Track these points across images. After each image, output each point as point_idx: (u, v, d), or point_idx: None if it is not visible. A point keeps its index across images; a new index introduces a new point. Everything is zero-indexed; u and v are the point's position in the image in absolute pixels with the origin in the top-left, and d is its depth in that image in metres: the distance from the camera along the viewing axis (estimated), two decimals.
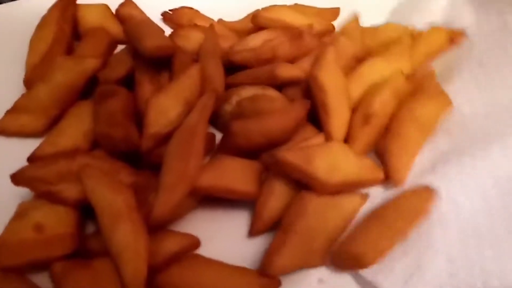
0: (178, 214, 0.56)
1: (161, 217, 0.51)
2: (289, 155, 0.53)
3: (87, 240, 0.53)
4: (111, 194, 0.49)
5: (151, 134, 0.56)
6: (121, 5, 0.79)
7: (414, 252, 0.52)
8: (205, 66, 0.63)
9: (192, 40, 0.71)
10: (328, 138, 0.60)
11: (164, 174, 0.52)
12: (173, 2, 0.82)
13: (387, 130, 0.62)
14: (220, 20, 0.79)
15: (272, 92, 0.64)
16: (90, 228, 0.55)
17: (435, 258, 0.51)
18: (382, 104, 0.61)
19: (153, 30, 0.63)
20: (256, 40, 0.69)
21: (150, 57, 0.61)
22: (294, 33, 0.69)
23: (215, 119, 0.65)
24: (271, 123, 0.58)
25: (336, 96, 0.61)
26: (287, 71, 0.65)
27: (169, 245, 0.53)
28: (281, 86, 0.66)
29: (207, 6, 0.82)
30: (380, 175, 0.58)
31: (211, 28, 0.70)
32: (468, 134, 0.61)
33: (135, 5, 0.80)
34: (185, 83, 0.60)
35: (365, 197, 0.58)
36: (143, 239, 0.49)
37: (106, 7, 0.76)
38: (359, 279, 0.52)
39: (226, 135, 0.60)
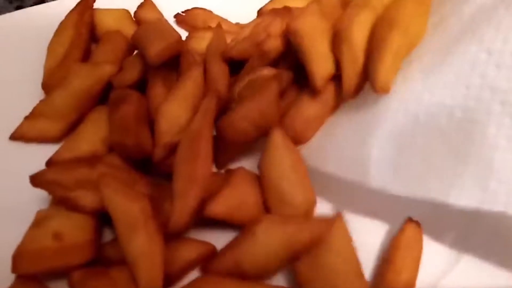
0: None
1: (179, 224, 0.51)
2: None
3: (104, 248, 0.53)
4: (128, 203, 0.50)
5: (163, 144, 0.56)
6: (139, 6, 0.78)
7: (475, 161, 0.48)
8: (209, 67, 0.63)
9: (207, 42, 0.70)
10: (313, 84, 0.57)
11: (175, 182, 0.52)
12: (190, 3, 0.81)
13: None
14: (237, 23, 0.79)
15: (266, 71, 0.62)
16: (107, 236, 0.56)
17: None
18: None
19: (156, 35, 0.62)
20: (247, 29, 0.67)
21: (157, 64, 0.60)
22: (282, 10, 0.68)
23: None
24: (249, 106, 0.56)
25: (314, 40, 0.58)
26: (273, 42, 0.63)
27: (186, 253, 0.53)
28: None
29: (222, 7, 0.81)
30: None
31: (218, 27, 0.69)
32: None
33: (154, 6, 0.79)
34: (190, 87, 0.59)
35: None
36: (159, 247, 0.49)
37: (125, 12, 0.75)
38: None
39: (216, 136, 0.59)
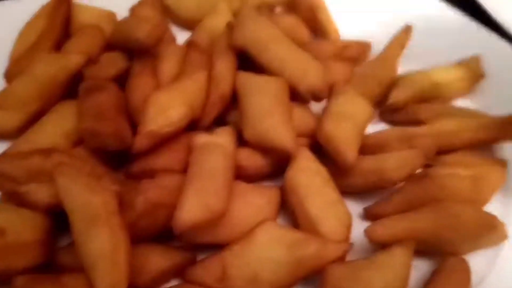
0: None
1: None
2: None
3: (59, 253, 0.44)
4: (88, 194, 0.41)
5: (147, 132, 0.49)
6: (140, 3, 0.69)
7: None
8: (216, 63, 0.58)
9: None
10: None
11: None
12: None
13: None
14: None
15: None
16: (64, 241, 0.47)
17: None
18: None
19: (138, 21, 0.58)
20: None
21: (149, 45, 0.56)
22: None
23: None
24: None
25: None
26: None
27: (158, 261, 0.45)
28: None
29: None
30: None
31: (230, 25, 0.62)
32: None
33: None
34: (191, 87, 0.54)
35: None
36: (124, 247, 0.40)
37: (109, 13, 0.67)
38: None
39: None
